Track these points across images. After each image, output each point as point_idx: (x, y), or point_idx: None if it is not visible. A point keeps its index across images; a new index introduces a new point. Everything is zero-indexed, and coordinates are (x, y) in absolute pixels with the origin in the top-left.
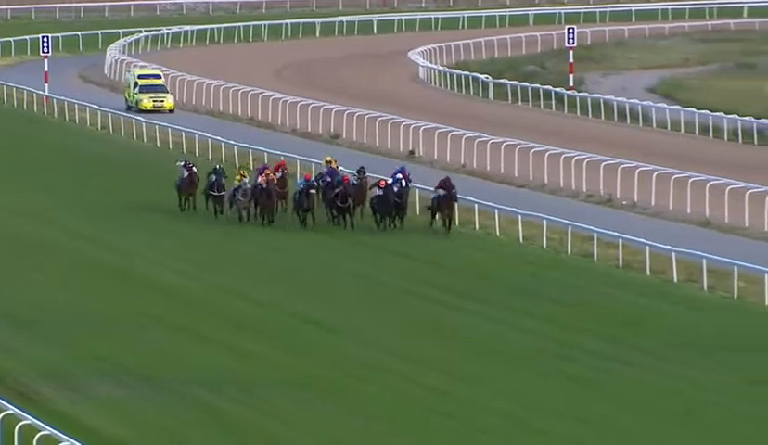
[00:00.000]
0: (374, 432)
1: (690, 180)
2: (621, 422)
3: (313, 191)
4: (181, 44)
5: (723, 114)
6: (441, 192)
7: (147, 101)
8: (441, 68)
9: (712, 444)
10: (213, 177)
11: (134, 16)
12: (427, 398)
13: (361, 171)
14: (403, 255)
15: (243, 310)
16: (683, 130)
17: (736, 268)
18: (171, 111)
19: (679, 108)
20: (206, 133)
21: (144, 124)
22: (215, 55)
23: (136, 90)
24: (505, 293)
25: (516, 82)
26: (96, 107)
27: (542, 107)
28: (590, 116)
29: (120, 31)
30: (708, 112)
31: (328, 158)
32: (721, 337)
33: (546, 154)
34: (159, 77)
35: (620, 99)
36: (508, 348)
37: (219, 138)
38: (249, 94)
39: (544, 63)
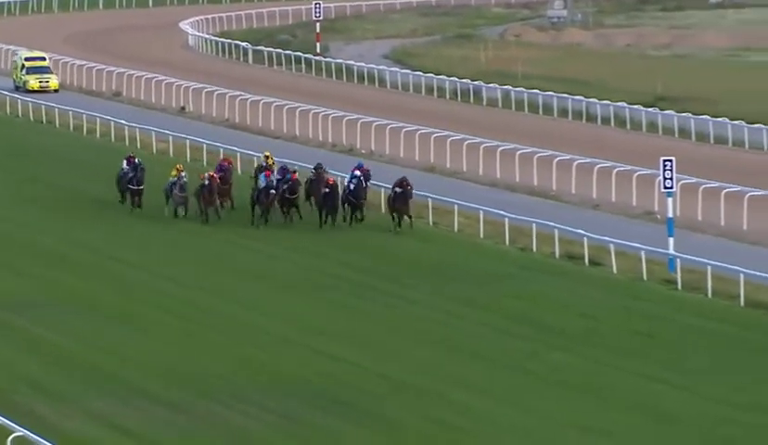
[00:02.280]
0: (155, 347)
1: (418, 132)
2: (373, 337)
3: (272, 191)
4: None
5: (445, 77)
6: (398, 190)
7: (33, 82)
8: (207, 36)
9: (437, 350)
10: (131, 173)
11: None
12: (205, 319)
13: (319, 166)
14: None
15: (49, 246)
16: (412, 90)
17: (456, 206)
18: (56, 91)
19: (409, 71)
20: (5, 92)
21: None
22: (11, 24)
23: (23, 72)
24: (271, 230)
25: (271, 49)
26: None
27: (293, 70)
28: (334, 78)
29: None
30: (432, 75)
31: (267, 154)
32: (443, 265)
33: (297, 110)
34: (44, 59)
35: (359, 64)
36: (277, 276)
37: (16, 96)
38: None
39: (295, 33)
